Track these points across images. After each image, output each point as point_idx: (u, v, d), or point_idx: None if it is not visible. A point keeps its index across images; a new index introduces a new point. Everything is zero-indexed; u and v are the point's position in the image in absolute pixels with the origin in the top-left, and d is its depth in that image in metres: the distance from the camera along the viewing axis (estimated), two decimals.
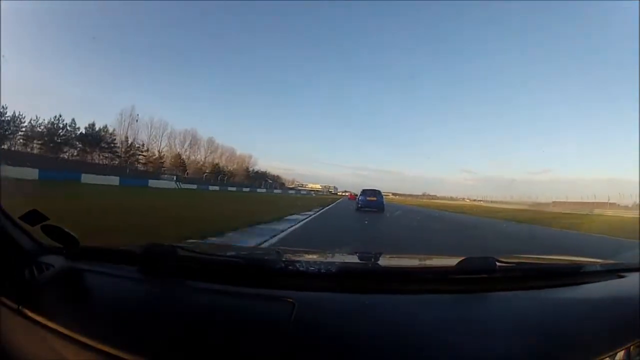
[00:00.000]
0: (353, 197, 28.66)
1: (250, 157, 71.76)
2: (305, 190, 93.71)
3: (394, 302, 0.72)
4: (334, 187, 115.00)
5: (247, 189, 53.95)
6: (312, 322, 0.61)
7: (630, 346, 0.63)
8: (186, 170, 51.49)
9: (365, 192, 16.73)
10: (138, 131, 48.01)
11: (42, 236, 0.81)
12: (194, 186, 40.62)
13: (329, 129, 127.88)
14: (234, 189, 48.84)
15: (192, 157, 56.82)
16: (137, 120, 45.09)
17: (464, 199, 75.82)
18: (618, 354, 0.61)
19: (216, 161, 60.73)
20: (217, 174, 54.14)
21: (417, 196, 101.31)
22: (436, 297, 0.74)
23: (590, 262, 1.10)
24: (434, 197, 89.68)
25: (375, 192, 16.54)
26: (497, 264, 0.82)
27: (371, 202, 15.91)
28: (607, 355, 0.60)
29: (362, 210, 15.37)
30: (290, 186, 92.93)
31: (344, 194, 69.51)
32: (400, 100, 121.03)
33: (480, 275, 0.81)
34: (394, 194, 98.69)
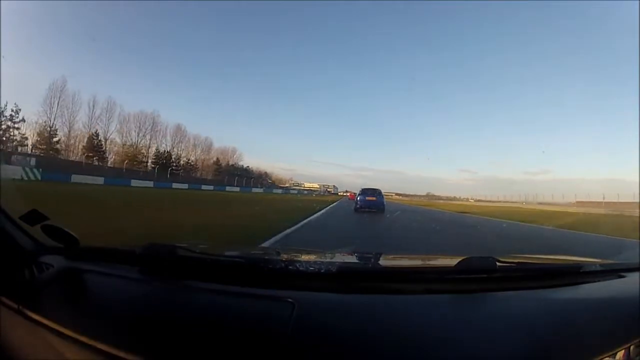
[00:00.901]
0: (353, 196, 28.29)
1: (235, 151, 62.87)
2: (296, 189, 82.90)
3: (394, 302, 0.72)
4: (334, 186, 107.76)
5: (210, 187, 41.37)
6: (312, 323, 0.61)
7: (630, 346, 0.63)
8: (103, 157, 39.39)
9: (364, 191, 15.48)
10: (72, 110, 36.99)
11: (42, 236, 0.81)
12: (100, 180, 28.16)
13: (330, 130, 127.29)
14: (184, 186, 36.70)
15: (155, 146, 47.47)
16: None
17: (467, 199, 71.98)
18: (618, 354, 0.62)
19: (186, 153, 50.49)
20: (160, 164, 42.37)
21: (420, 197, 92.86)
22: (436, 297, 0.74)
23: (590, 262, 1.10)
24: (439, 198, 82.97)
25: (375, 192, 15.40)
26: (497, 264, 0.82)
27: (371, 202, 14.74)
28: (607, 355, 0.60)
29: (361, 213, 13.58)
30: (284, 185, 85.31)
31: (345, 194, 61.82)
32: (401, 100, 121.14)
33: (480, 275, 0.81)
34: (397, 194, 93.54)
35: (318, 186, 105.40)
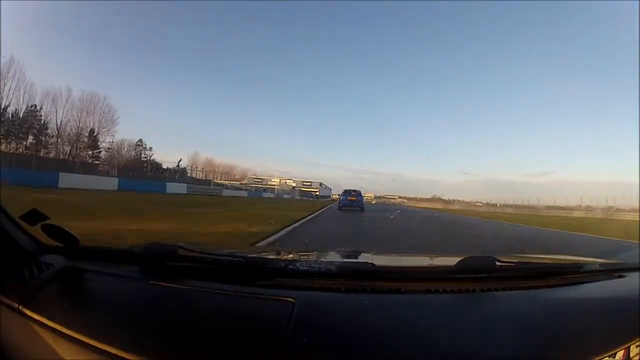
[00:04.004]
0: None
1: (108, 108, 31.18)
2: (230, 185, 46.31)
3: (394, 302, 0.72)
4: (320, 184, 69.68)
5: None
6: (312, 322, 0.61)
7: (630, 346, 0.63)
8: None
9: (346, 192, 17.82)
10: None
11: (42, 236, 0.82)
12: None
13: (329, 131, 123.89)
14: None
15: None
16: None
17: (476, 202, 63.03)
18: (618, 353, 0.62)
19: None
20: None
21: (426, 200, 75.77)
22: (436, 297, 0.74)
23: (590, 261, 1.10)
24: (445, 201, 68.62)
25: (356, 193, 17.68)
26: (497, 263, 0.82)
27: (352, 201, 17.10)
28: (607, 355, 0.60)
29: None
30: (227, 181, 49.97)
31: (339, 197, 36.86)
32: (400, 101, 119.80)
33: (480, 275, 0.81)
34: (400, 197, 76.79)
35: (277, 182, 61.42)
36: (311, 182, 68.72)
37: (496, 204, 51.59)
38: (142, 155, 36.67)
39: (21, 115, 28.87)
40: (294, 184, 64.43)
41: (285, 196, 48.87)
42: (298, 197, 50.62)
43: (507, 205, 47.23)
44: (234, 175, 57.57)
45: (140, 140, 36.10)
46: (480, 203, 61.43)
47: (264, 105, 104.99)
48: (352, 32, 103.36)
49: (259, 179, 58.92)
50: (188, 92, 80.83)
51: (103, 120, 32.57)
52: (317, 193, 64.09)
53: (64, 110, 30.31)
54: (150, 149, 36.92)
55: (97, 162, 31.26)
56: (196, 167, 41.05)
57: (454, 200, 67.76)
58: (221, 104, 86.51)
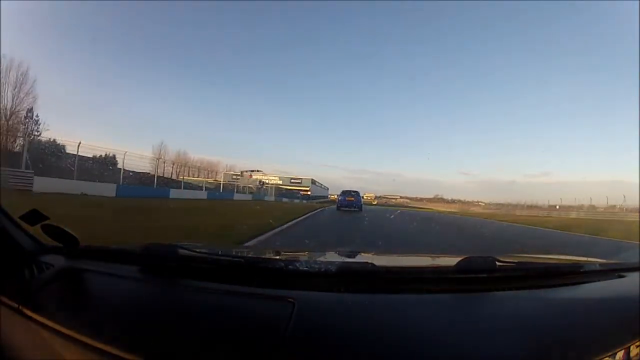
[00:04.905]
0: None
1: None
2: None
3: (394, 301, 0.72)
4: (312, 181, 52.96)
5: None
6: (312, 322, 0.61)
7: (630, 346, 0.63)
8: None
9: (345, 192, 18.25)
10: None
11: (42, 236, 0.82)
12: None
13: (328, 131, 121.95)
14: None
15: None
16: None
17: (478, 202, 55.96)
18: (618, 354, 0.62)
19: None
20: None
21: (430, 200, 66.42)
22: (436, 297, 0.74)
23: (590, 262, 1.10)
24: (447, 201, 59.93)
25: (355, 193, 18.20)
26: (497, 263, 0.82)
27: (350, 202, 17.60)
28: (607, 355, 0.60)
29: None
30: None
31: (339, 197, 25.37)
32: (398, 100, 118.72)
33: (480, 275, 0.81)
34: (401, 197, 68.52)
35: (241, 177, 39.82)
36: (301, 179, 50.72)
37: (555, 206, 37.12)
38: (35, 132, 23.55)
39: None
40: (275, 179, 46.87)
41: (240, 196, 28.50)
42: (272, 199, 34.90)
43: (551, 208, 35.59)
44: (216, 172, 43.85)
45: (30, 111, 23.74)
46: (483, 203, 53.28)
47: (262, 104, 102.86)
48: (352, 31, 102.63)
49: (237, 175, 42.63)
50: (182, 89, 78.76)
51: (17, 91, 21.87)
52: (309, 193, 48.24)
53: None
54: (43, 123, 23.55)
55: None
56: (164, 160, 29.28)
57: (469, 201, 56.03)
58: (216, 103, 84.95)
